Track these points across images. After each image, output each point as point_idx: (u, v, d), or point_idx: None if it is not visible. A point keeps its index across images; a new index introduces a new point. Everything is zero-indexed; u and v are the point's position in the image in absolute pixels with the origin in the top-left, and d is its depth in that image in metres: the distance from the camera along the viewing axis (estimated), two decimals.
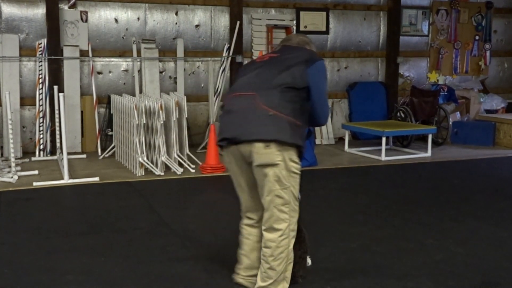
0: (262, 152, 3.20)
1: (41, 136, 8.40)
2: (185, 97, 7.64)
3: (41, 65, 8.41)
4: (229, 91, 3.54)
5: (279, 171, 3.22)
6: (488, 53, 11.41)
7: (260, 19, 9.63)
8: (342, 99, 10.33)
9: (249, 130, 3.23)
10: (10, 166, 7.10)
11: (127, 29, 8.99)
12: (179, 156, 7.44)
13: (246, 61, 9.46)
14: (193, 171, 7.34)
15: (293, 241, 3.40)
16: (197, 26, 9.39)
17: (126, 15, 8.98)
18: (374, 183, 7.04)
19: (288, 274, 3.39)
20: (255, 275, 3.50)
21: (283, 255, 3.32)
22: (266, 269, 3.33)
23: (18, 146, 8.23)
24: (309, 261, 4.01)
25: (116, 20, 8.94)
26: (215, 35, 9.50)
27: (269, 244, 3.32)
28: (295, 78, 3.31)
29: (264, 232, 3.35)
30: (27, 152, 8.45)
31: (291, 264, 3.43)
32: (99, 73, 8.91)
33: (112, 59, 8.97)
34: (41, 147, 8.39)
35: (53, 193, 6.33)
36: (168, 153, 7.36)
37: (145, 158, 7.13)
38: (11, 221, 5.28)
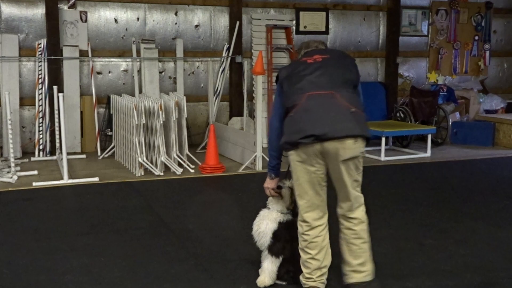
0: (350, 147, 3.39)
1: (41, 136, 8.40)
2: (184, 97, 7.64)
3: (41, 65, 8.41)
4: (297, 90, 3.51)
5: (357, 160, 3.48)
6: (487, 53, 11.42)
7: (260, 19, 9.63)
8: None
9: (339, 127, 3.37)
10: (9, 166, 7.10)
11: (126, 29, 8.99)
12: (178, 156, 7.44)
13: (245, 61, 9.48)
14: (192, 171, 7.34)
15: None
16: (196, 26, 9.39)
17: (126, 15, 8.98)
18: (374, 183, 7.03)
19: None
20: (324, 274, 3.58)
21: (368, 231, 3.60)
22: (360, 244, 3.52)
23: (18, 146, 8.24)
24: None
25: (115, 20, 8.94)
26: (215, 35, 9.50)
27: (361, 222, 3.55)
28: (354, 75, 3.63)
29: (351, 218, 3.53)
30: (27, 152, 8.46)
31: None
32: (98, 73, 8.91)
33: (112, 59, 8.97)
34: (41, 147, 8.39)
35: (53, 193, 6.33)
36: (168, 153, 7.36)
37: (144, 158, 7.13)
38: (11, 221, 5.28)
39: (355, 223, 3.54)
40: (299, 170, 3.49)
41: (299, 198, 3.55)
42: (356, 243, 3.53)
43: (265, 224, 3.72)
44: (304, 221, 3.55)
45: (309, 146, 3.40)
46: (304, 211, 3.55)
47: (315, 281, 3.57)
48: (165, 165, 7.26)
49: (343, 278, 3.62)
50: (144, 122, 7.12)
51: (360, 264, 3.54)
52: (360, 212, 3.56)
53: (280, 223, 3.71)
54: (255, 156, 7.34)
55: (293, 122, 3.47)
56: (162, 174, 7.14)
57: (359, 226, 3.55)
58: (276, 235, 3.69)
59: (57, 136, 7.99)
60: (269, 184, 3.76)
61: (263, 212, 3.80)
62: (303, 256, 3.58)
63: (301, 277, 3.63)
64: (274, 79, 9.27)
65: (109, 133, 8.60)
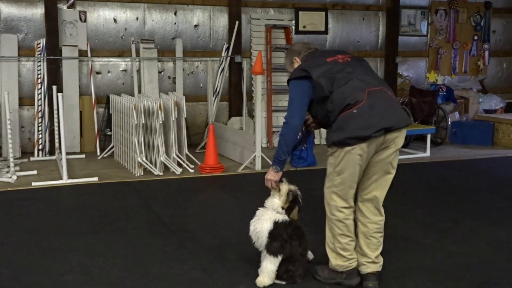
0: (404, 136, 3.70)
1: (40, 136, 8.39)
2: (184, 97, 7.64)
3: (40, 65, 8.40)
4: (353, 87, 3.59)
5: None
6: (486, 53, 11.43)
7: (259, 19, 9.63)
8: None
9: (400, 117, 3.65)
10: (9, 166, 7.09)
11: (126, 29, 8.99)
12: (178, 156, 7.44)
13: (245, 61, 9.48)
14: (192, 171, 7.34)
15: None
16: (196, 26, 9.39)
17: (125, 15, 8.98)
18: None
19: None
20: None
21: None
22: (379, 237, 3.77)
23: (17, 146, 8.24)
24: (310, 255, 4.02)
25: (115, 20, 8.94)
26: (214, 35, 9.50)
27: (382, 217, 3.79)
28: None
29: (379, 213, 3.77)
30: (26, 152, 8.45)
31: None
32: (98, 73, 8.90)
33: (111, 59, 8.96)
34: (40, 147, 8.38)
35: (52, 193, 6.33)
36: (167, 153, 7.36)
37: (144, 158, 7.13)
38: (10, 221, 5.28)
39: (381, 218, 3.77)
40: (356, 163, 3.59)
41: (349, 188, 3.66)
42: (376, 236, 3.76)
43: (261, 224, 3.73)
44: (351, 207, 3.71)
45: (375, 139, 3.55)
46: (351, 199, 3.71)
47: (357, 260, 3.76)
48: (165, 165, 7.26)
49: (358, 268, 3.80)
50: (143, 122, 7.11)
51: (377, 256, 3.78)
52: (382, 207, 3.79)
53: (275, 223, 3.71)
54: (255, 156, 7.34)
55: (360, 117, 3.54)
56: (161, 174, 7.14)
57: (383, 221, 3.79)
58: (272, 234, 3.69)
59: (56, 136, 7.98)
60: (274, 176, 3.77)
61: (259, 212, 3.81)
62: (342, 240, 3.71)
63: (339, 262, 3.75)
64: (274, 79, 9.28)
65: (109, 133, 8.59)
